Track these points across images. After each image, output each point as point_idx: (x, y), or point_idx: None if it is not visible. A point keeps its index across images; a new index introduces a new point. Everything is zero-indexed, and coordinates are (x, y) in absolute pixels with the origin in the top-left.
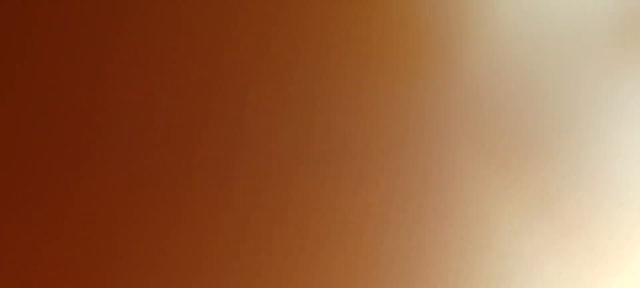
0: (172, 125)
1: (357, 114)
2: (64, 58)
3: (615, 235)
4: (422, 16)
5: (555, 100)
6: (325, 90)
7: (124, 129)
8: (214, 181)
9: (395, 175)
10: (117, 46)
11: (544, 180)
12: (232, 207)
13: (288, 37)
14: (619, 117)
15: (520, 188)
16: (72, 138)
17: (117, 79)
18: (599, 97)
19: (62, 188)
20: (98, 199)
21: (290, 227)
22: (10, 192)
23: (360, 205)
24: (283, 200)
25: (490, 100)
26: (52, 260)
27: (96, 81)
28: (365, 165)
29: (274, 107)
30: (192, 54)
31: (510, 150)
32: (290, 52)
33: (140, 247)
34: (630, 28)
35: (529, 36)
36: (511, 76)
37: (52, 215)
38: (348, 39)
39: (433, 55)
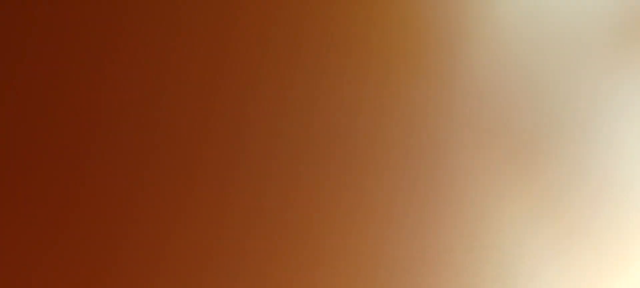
0: (173, 126)
1: (358, 114)
2: (64, 58)
3: (618, 235)
4: (422, 16)
5: (555, 100)
6: (326, 90)
7: (125, 129)
8: (216, 181)
9: (398, 175)
10: (118, 46)
11: (547, 180)
12: (234, 207)
13: (288, 37)
14: (619, 117)
15: (523, 189)
16: (73, 139)
17: (118, 80)
18: (599, 97)
19: (63, 189)
20: (99, 200)
21: (292, 227)
22: (11, 193)
23: (362, 206)
24: (285, 200)
25: (490, 100)
26: (54, 262)
27: (97, 81)
28: (368, 165)
29: (274, 107)
30: (192, 55)
31: (512, 150)
32: (290, 52)
33: (142, 248)
34: (630, 28)
35: (529, 36)
36: (511, 76)
37: (54, 216)
38: (348, 39)
39: (433, 55)
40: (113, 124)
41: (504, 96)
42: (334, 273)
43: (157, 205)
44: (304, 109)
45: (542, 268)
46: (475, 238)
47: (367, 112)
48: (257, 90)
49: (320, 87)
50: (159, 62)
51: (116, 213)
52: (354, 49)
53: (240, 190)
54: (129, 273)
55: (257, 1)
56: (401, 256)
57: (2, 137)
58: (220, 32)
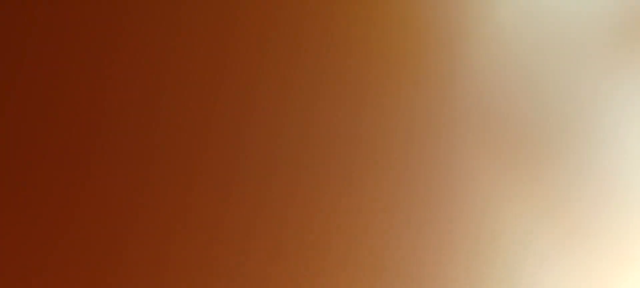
0: (173, 127)
1: (359, 114)
2: (65, 58)
3: (620, 235)
4: (422, 16)
5: (555, 100)
6: (327, 90)
7: (126, 130)
8: (217, 182)
9: (399, 175)
10: (118, 47)
11: (548, 180)
12: (235, 208)
13: (288, 37)
14: (620, 116)
15: (525, 189)
16: (74, 139)
17: (118, 80)
18: (600, 97)
19: (65, 190)
20: (100, 201)
21: (293, 228)
22: (12, 193)
23: (364, 207)
24: (286, 201)
25: (491, 100)
26: (55, 263)
27: (98, 82)
28: (369, 165)
29: (275, 107)
30: (193, 55)
31: (514, 151)
32: (290, 52)
33: (143, 248)
34: (630, 28)
35: (529, 36)
36: (511, 76)
37: (55, 217)
38: (348, 39)
39: (433, 55)
40: (114, 124)
41: (504, 96)
42: (336, 274)
43: (159, 206)
44: (304, 109)
45: (546, 268)
46: (478, 238)
47: (368, 113)
48: (258, 90)
49: (321, 87)
50: (159, 62)
51: (117, 214)
52: (354, 49)
53: (242, 191)
54: (131, 274)
55: (257, 1)
56: (403, 257)
57: (4, 137)
58: (221, 32)
